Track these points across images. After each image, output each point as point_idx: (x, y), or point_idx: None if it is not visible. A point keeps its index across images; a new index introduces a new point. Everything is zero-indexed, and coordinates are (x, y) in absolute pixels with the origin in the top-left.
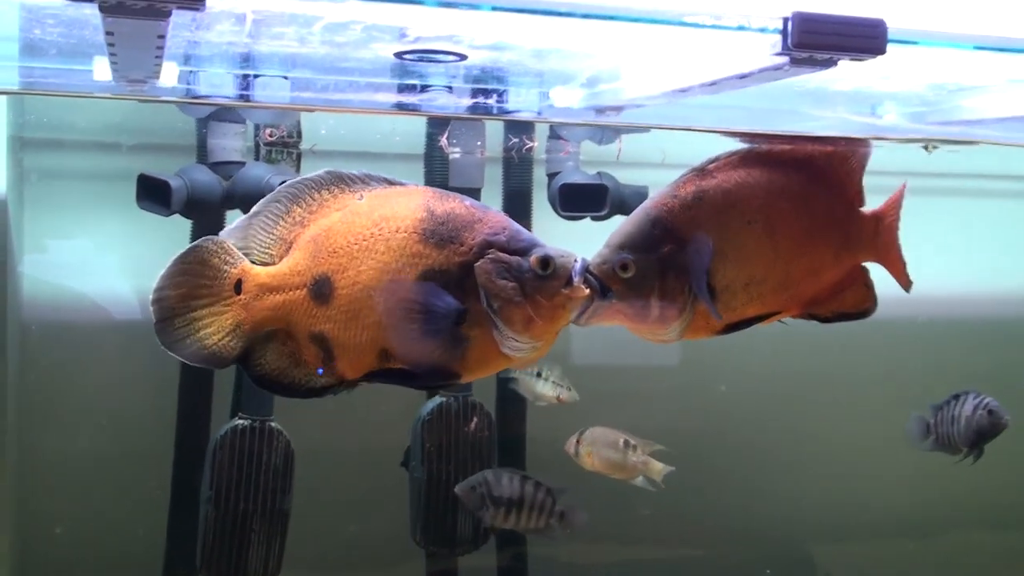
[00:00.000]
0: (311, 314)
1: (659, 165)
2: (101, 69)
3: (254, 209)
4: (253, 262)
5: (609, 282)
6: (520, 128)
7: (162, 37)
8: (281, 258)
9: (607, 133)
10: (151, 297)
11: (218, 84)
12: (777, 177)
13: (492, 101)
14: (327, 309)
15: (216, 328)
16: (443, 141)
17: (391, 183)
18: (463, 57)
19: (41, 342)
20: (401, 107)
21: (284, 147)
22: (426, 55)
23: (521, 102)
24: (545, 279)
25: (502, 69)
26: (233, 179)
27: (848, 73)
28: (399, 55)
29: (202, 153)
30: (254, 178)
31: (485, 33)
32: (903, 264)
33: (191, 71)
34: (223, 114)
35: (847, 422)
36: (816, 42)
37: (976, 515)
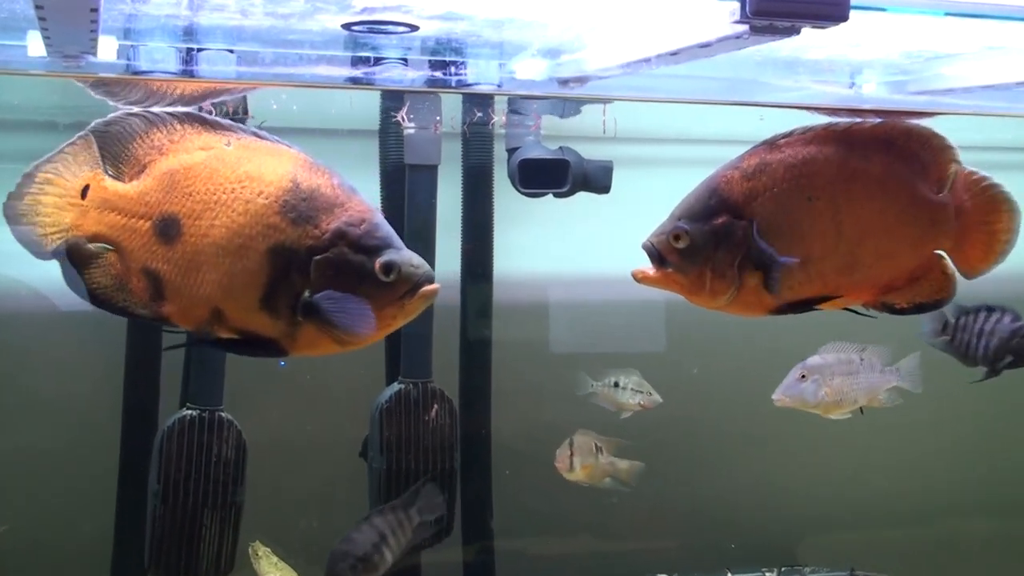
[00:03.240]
0: (150, 249)
1: (650, 140)
2: (36, 44)
3: (111, 116)
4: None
5: (665, 252)
6: (479, 102)
7: (95, 11)
8: (131, 178)
9: (569, 106)
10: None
11: (160, 59)
12: (851, 156)
13: (449, 74)
14: (168, 250)
15: (52, 221)
16: (402, 115)
17: (260, 137)
18: (414, 28)
19: None
20: (354, 81)
21: None
22: (375, 26)
23: (480, 74)
24: (383, 287)
25: (459, 40)
26: None
27: (822, 41)
28: (347, 26)
29: None
30: None
31: (435, 3)
32: (980, 253)
33: (131, 45)
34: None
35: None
36: (775, 9)
37: (971, 502)
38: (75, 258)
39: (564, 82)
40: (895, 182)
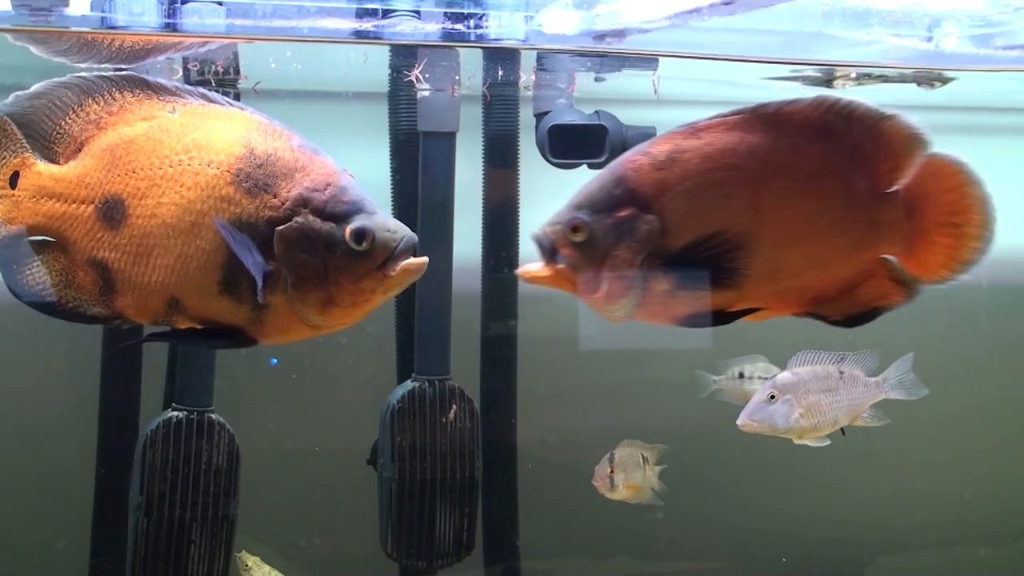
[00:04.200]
0: (95, 236)
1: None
2: None
3: (36, 89)
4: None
5: (560, 245)
6: (503, 59)
7: None
8: (67, 158)
9: (607, 64)
10: None
11: (139, 12)
12: (779, 147)
13: (468, 27)
14: (115, 236)
15: None
16: (416, 74)
17: (209, 100)
18: None
19: None
20: (359, 35)
21: (220, 86)
22: None
23: (503, 27)
24: (357, 256)
25: None
26: None
27: None
28: None
29: None
30: None
31: None
32: (943, 258)
33: None
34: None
35: (893, 407)
36: None
37: None
38: (12, 257)
39: (600, 36)
40: (830, 178)
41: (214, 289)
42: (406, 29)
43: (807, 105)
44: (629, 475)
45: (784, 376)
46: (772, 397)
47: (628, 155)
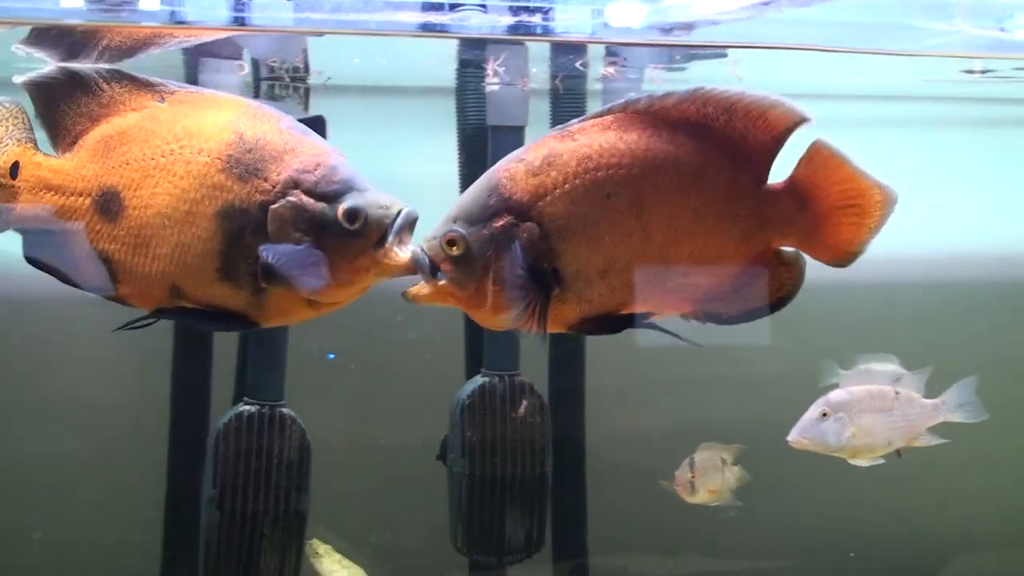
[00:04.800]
0: (93, 228)
1: None
2: None
3: (23, 80)
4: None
5: (438, 260)
6: (571, 53)
7: None
8: (63, 151)
9: (676, 56)
10: None
11: (208, 7)
12: (658, 143)
13: (536, 20)
14: (113, 228)
15: None
16: (491, 69)
17: (198, 90)
18: None
19: (7, 321)
20: (427, 28)
21: (290, 82)
22: None
23: (571, 21)
24: (350, 235)
25: None
26: None
27: None
28: None
29: None
30: None
31: None
32: (848, 234)
33: None
34: (216, 45)
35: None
36: None
37: None
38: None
39: (667, 29)
40: (712, 171)
41: (213, 276)
42: (471, 22)
43: (682, 99)
44: (709, 479)
45: (837, 393)
46: (824, 415)
47: (501, 163)
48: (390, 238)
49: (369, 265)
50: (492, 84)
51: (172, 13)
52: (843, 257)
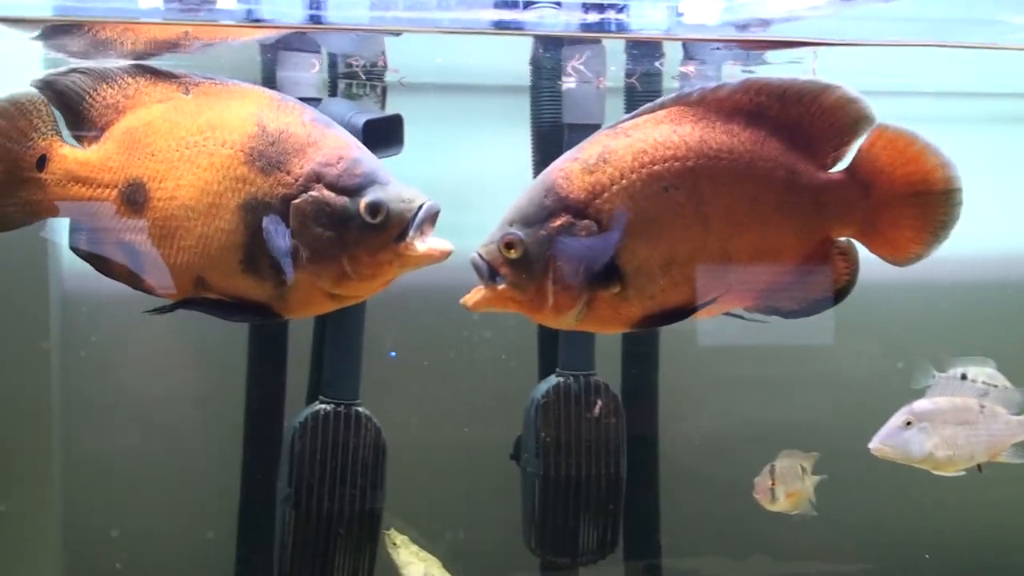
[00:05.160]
0: (120, 219)
1: None
2: None
3: (48, 76)
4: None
5: (497, 265)
6: (647, 50)
7: None
8: (89, 142)
9: (753, 54)
10: None
11: (285, 5)
12: (712, 134)
13: (610, 17)
14: (139, 219)
15: (9, 198)
16: (573, 66)
17: (217, 80)
18: None
19: (87, 320)
20: (500, 26)
21: (367, 80)
22: None
23: (645, 17)
24: (372, 229)
25: None
26: None
27: None
28: None
29: (269, 88)
30: (334, 117)
31: None
32: (911, 232)
33: None
34: (295, 40)
35: None
36: None
37: None
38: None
39: (743, 26)
40: (767, 160)
41: (236, 268)
42: (545, 20)
43: (734, 90)
44: (789, 486)
45: (922, 403)
46: (908, 423)
47: (556, 163)
48: (411, 231)
49: (392, 258)
50: (568, 82)
51: (248, 12)
52: (900, 258)
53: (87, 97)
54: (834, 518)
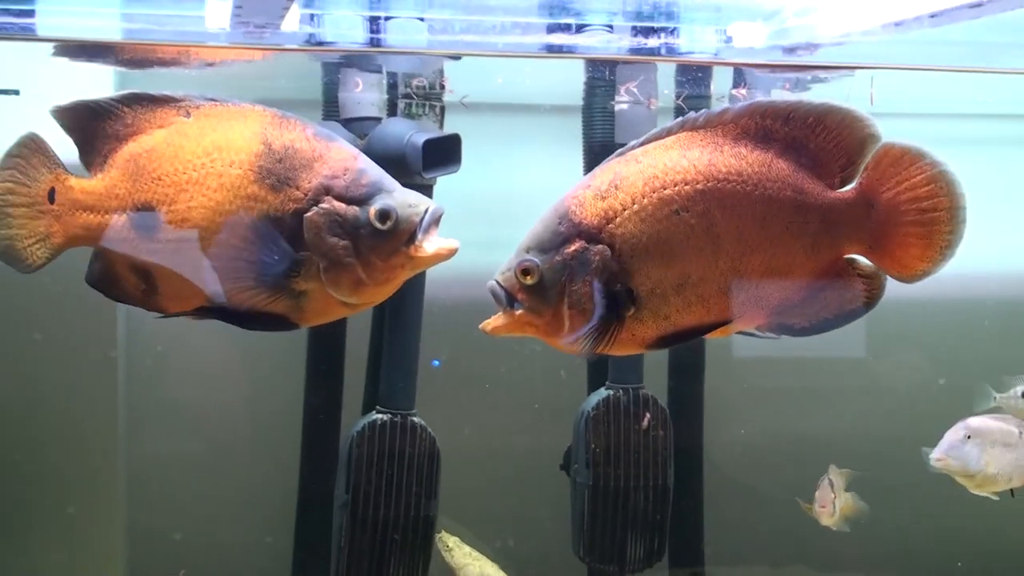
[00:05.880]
0: (131, 244)
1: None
2: (214, 15)
3: (55, 107)
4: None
5: (514, 291)
6: (696, 73)
7: None
8: (95, 171)
9: (802, 78)
10: None
11: (345, 28)
12: (720, 157)
13: (660, 41)
14: (150, 242)
15: (28, 232)
16: (625, 89)
17: (217, 102)
18: None
19: (152, 330)
20: (551, 49)
21: (426, 100)
22: None
23: (695, 42)
24: (383, 235)
25: (673, 2)
26: (369, 137)
27: None
28: None
29: (331, 108)
30: (394, 136)
31: None
32: (918, 250)
33: (312, 14)
34: (357, 61)
35: None
36: None
37: None
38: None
39: (790, 50)
40: (775, 181)
41: (252, 284)
42: (596, 43)
43: (740, 113)
44: (843, 500)
45: (977, 420)
46: (968, 437)
47: (569, 191)
48: (419, 234)
49: (404, 261)
50: (621, 103)
51: (310, 36)
52: (908, 274)
53: (88, 129)
54: (875, 528)
